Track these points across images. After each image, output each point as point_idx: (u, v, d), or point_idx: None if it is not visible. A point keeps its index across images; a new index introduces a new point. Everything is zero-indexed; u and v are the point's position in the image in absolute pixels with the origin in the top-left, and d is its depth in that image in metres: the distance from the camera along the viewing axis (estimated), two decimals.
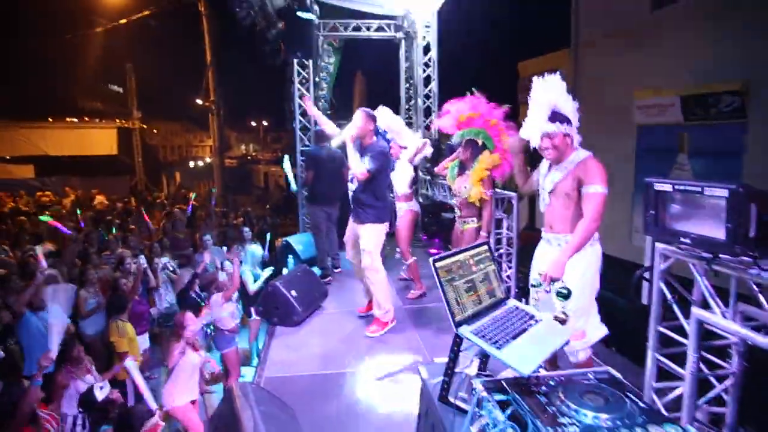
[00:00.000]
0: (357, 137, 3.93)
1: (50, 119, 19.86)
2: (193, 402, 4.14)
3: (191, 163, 31.81)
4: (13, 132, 18.14)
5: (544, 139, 2.60)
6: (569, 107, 2.64)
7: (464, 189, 4.19)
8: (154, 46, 21.63)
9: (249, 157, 37.90)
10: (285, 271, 5.73)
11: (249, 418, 2.30)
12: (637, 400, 1.44)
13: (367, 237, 4.02)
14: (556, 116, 2.56)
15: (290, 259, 6.42)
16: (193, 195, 12.46)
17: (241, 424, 2.24)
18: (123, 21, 14.99)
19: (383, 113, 5.12)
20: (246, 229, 7.29)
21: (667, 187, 2.15)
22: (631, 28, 7.69)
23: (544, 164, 2.76)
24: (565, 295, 1.99)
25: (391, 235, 5.78)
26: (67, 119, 20.81)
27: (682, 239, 2.11)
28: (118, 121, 20.23)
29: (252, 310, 6.05)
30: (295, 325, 4.41)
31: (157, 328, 5.88)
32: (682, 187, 2.09)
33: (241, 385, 2.70)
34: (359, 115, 3.93)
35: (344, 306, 4.86)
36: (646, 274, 2.81)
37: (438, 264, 1.84)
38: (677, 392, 2.38)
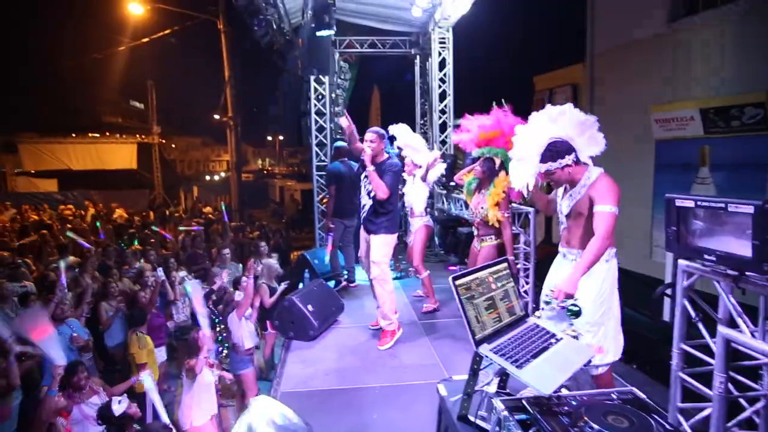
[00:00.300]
0: (372, 157, 4.02)
1: (74, 135, 20.39)
2: (212, 418, 4.11)
3: (208, 177, 32.29)
4: (38, 147, 18.71)
5: (542, 176, 2.60)
6: (569, 128, 2.59)
7: (481, 210, 4.17)
8: (175, 63, 22.28)
9: (265, 172, 38.44)
10: (301, 285, 5.75)
11: None
12: (662, 422, 1.41)
13: (377, 248, 4.13)
14: (546, 156, 2.53)
15: (306, 274, 6.43)
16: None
17: None
18: (145, 40, 15.44)
19: (402, 131, 5.16)
20: (262, 243, 7.32)
21: (689, 204, 2.10)
22: (647, 41, 7.62)
23: (560, 189, 2.75)
24: (576, 313, 1.97)
25: (403, 248, 5.81)
26: (90, 135, 21.37)
27: (706, 256, 2.06)
28: (138, 136, 20.74)
29: (268, 323, 6.06)
30: (311, 340, 4.41)
31: (175, 341, 5.92)
32: (704, 204, 2.05)
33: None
34: (371, 136, 4.03)
35: (360, 320, 4.86)
36: (669, 291, 2.75)
37: (458, 282, 1.84)
38: (704, 413, 2.31)
